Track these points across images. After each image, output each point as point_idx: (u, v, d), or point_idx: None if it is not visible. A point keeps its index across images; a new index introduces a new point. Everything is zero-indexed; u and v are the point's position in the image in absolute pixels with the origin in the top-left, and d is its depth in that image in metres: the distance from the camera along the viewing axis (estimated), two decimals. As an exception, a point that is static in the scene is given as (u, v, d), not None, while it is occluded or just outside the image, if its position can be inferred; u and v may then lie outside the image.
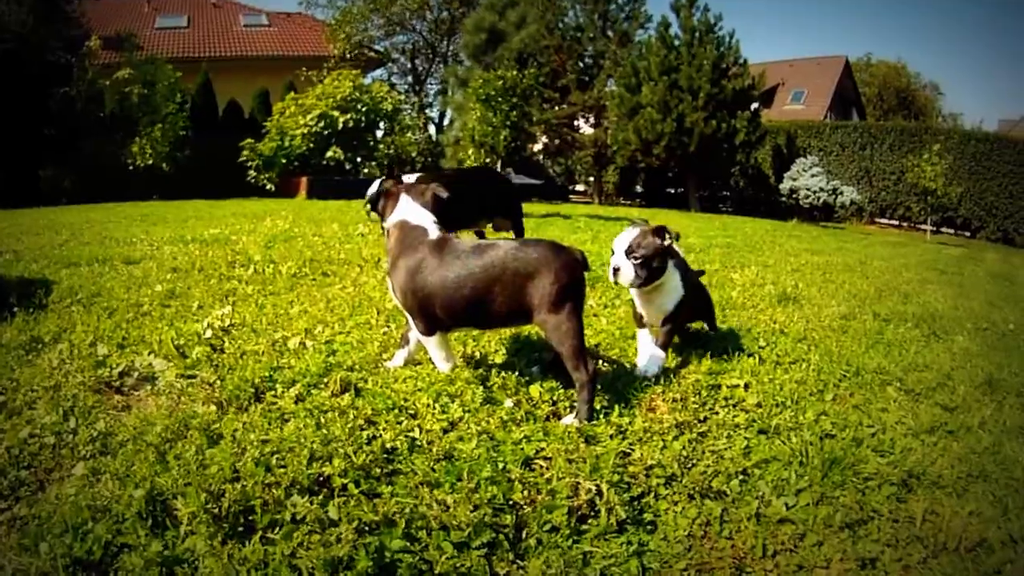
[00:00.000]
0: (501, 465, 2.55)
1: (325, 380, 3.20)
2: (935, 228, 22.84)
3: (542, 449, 2.74)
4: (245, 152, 20.22)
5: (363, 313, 4.65)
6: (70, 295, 5.11)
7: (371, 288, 5.60)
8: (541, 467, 2.62)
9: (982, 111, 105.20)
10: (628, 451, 2.78)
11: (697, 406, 3.28)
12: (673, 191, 27.85)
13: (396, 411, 2.92)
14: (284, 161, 20.14)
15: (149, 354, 3.65)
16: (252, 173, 20.33)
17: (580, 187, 31.18)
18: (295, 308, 4.78)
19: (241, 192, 19.55)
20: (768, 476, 2.72)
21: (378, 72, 32.42)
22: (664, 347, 3.66)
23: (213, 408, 2.94)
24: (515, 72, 14.65)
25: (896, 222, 26.14)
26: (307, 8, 33.68)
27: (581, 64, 27.52)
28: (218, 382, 3.22)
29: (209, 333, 3.97)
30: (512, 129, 14.19)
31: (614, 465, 2.58)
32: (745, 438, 3.01)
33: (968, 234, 24.65)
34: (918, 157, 22.43)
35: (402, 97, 23.68)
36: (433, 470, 2.49)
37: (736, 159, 25.01)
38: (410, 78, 33.98)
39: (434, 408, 2.98)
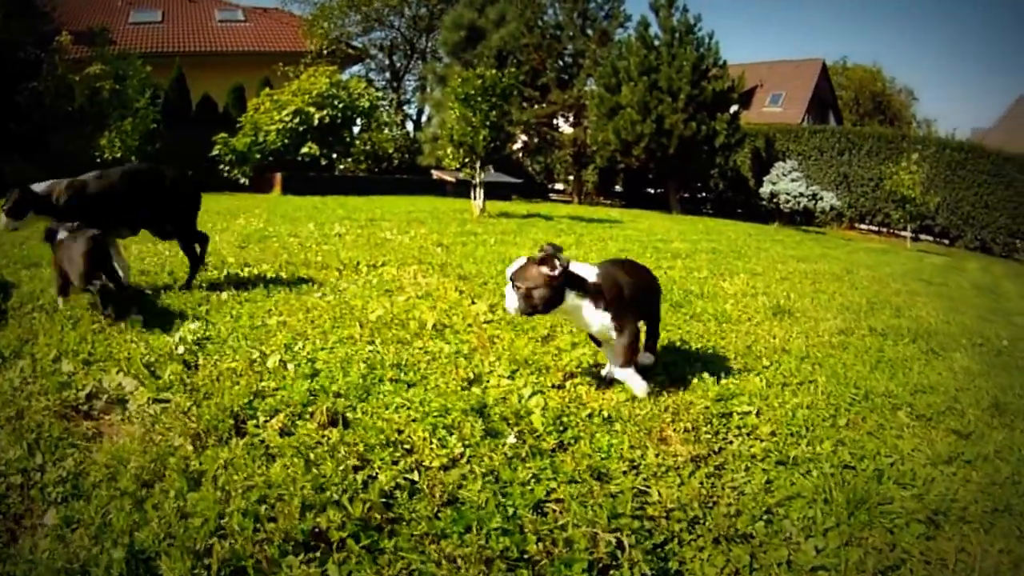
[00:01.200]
0: (511, 511, 2.35)
1: (310, 409, 2.96)
2: (915, 236, 22.93)
3: (553, 490, 2.54)
4: (218, 147, 19.87)
5: (346, 326, 4.42)
6: (31, 300, 4.82)
7: (352, 295, 5.37)
8: (554, 512, 2.41)
9: (955, 119, 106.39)
10: (644, 489, 2.60)
11: (710, 436, 3.10)
12: (653, 192, 27.76)
13: (391, 447, 2.69)
14: (258, 156, 19.83)
15: (118, 372, 3.39)
16: (225, 167, 20.00)
17: (559, 186, 30.90)
18: (273, 319, 4.53)
19: (214, 187, 19.14)
20: (793, 515, 2.53)
21: (356, 68, 32.08)
22: (624, 364, 3.44)
23: (190, 443, 2.69)
24: (495, 71, 14.40)
25: (875, 228, 26.24)
26: (284, 4, 33.28)
27: (561, 63, 27.31)
28: (194, 408, 2.96)
29: (181, 349, 3.72)
30: (491, 129, 13.92)
31: (632, 509, 2.39)
32: (764, 470, 2.83)
33: (947, 242, 24.82)
34: (896, 165, 22.50)
35: (380, 94, 23.30)
36: (437, 518, 2.27)
37: (716, 161, 24.95)
38: (388, 74, 33.68)
39: (432, 442, 2.76)
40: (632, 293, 3.47)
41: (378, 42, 33.04)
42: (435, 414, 2.97)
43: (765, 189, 24.72)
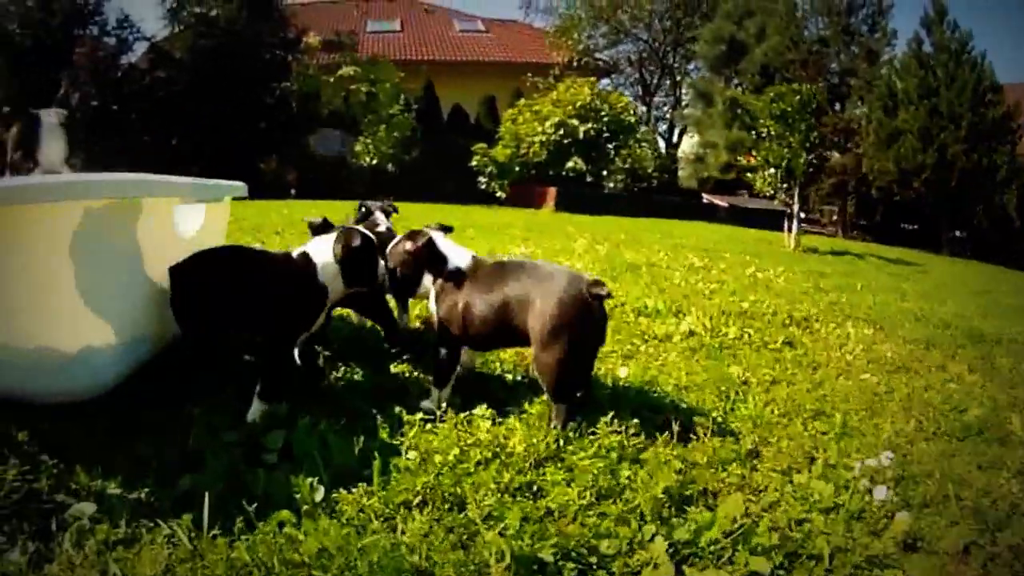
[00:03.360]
0: None
1: None
2: None
3: None
4: (477, 158, 19.00)
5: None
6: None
7: (870, 379, 3.84)
8: None
9: None
10: None
11: None
12: (911, 227, 24.60)
13: None
14: (519, 169, 18.75)
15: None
16: (484, 180, 19.16)
17: (801, 213, 27.86)
18: (882, 422, 3.03)
19: (468, 198, 18.13)
20: None
21: (603, 82, 30.75)
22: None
23: None
24: (810, 85, 12.53)
25: None
26: (526, 15, 32.73)
27: (828, 82, 24.65)
28: None
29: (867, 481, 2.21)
30: (810, 152, 12.04)
31: None
32: None
33: None
34: None
35: (642, 109, 21.89)
36: None
37: (994, 199, 21.69)
38: (639, 89, 31.93)
39: None
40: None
41: (626, 55, 31.56)
42: None
43: (1051, 235, 21.40)
